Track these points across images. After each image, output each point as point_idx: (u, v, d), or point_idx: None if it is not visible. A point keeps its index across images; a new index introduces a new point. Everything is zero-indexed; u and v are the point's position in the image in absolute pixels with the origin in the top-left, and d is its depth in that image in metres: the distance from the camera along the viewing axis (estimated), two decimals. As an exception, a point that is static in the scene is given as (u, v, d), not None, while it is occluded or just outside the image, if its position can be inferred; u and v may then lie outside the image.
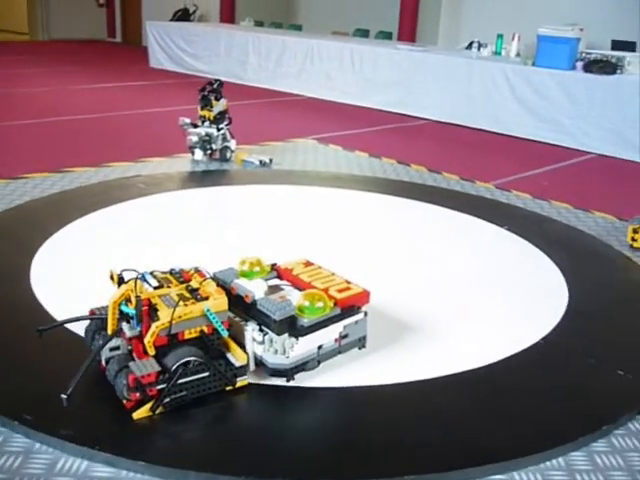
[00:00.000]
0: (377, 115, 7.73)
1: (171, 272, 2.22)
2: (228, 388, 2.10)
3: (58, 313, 2.51)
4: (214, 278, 2.24)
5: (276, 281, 2.43)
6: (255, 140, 5.81)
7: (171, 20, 13.82)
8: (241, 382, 2.12)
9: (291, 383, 2.17)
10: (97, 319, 2.20)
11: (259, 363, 2.18)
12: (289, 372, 2.16)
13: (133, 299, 2.00)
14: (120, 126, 6.44)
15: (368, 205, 4.22)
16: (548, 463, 1.90)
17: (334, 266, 2.51)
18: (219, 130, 4.95)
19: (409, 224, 3.89)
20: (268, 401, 2.11)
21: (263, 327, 2.16)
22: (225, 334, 2.06)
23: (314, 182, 4.61)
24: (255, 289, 2.22)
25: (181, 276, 2.19)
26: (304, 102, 8.50)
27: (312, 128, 6.66)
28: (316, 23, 13.10)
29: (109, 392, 2.03)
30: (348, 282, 2.36)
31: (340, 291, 2.29)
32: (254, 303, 2.18)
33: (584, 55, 6.57)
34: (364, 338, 2.36)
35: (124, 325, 2.07)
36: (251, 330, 2.16)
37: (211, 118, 4.90)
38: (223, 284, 2.26)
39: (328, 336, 2.23)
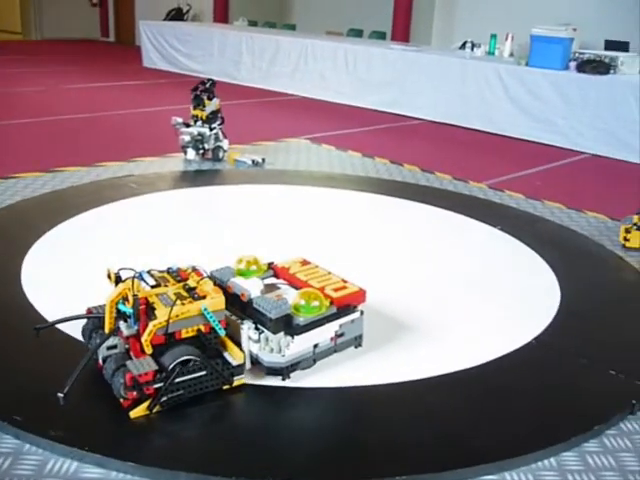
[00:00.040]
0: (371, 115, 7.73)
1: (168, 271, 2.22)
2: (225, 387, 2.10)
3: (49, 313, 2.49)
4: (211, 277, 2.24)
5: (273, 280, 2.43)
6: (248, 140, 5.80)
7: (164, 20, 13.80)
8: (238, 381, 2.12)
9: (287, 382, 2.16)
10: (94, 318, 2.20)
11: (255, 362, 2.18)
12: (285, 371, 2.16)
13: (130, 298, 2.00)
14: (112, 126, 6.42)
15: (361, 205, 4.22)
16: (540, 463, 1.90)
17: (328, 265, 2.50)
18: (212, 130, 4.93)
19: (402, 224, 3.88)
20: (262, 401, 2.11)
21: (259, 326, 2.16)
22: (222, 333, 2.07)
23: (307, 182, 4.61)
24: (251, 288, 2.23)
25: (178, 275, 2.19)
26: (297, 102, 8.50)
27: (305, 128, 6.65)
28: (310, 23, 13.10)
29: (100, 392, 2.03)
30: (344, 281, 2.37)
31: (336, 290, 2.29)
32: (250, 302, 2.18)
33: (577, 55, 6.58)
34: (360, 337, 2.36)
35: (121, 324, 2.06)
36: (247, 328, 2.16)
37: (204, 118, 4.89)
38: (220, 283, 2.26)
39: (324, 335, 2.23)
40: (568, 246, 3.67)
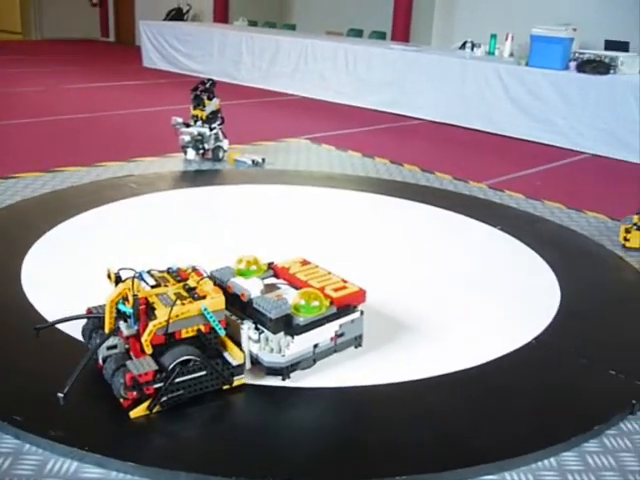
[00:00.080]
0: (371, 115, 7.72)
1: (168, 271, 2.22)
2: (225, 387, 2.10)
3: (49, 313, 2.49)
4: (211, 277, 2.24)
5: (273, 280, 2.43)
6: (248, 140, 5.80)
7: (164, 20, 13.80)
8: (238, 381, 2.12)
9: (286, 382, 2.16)
10: (94, 318, 2.20)
11: (255, 362, 2.18)
12: (285, 371, 2.16)
13: (130, 298, 2.00)
14: (112, 126, 6.42)
15: (361, 205, 4.22)
16: (540, 463, 1.90)
17: (327, 266, 2.50)
18: (211, 130, 4.93)
19: (402, 224, 3.88)
20: (262, 401, 2.11)
21: (259, 326, 2.16)
22: (222, 333, 2.07)
23: (307, 182, 4.61)
24: (251, 288, 2.23)
25: (178, 275, 2.19)
26: (297, 102, 8.49)
27: (305, 128, 6.65)
28: (310, 23, 13.10)
29: (100, 392, 2.03)
30: (344, 281, 2.37)
31: (336, 290, 2.29)
32: (250, 302, 2.18)
33: (577, 55, 6.58)
34: (360, 337, 2.36)
35: (121, 324, 2.06)
36: (247, 328, 2.16)
37: (204, 118, 4.89)
38: (220, 283, 2.26)
39: (324, 335, 2.24)
40: (568, 246, 3.67)
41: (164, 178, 4.54)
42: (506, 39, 7.82)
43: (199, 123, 4.91)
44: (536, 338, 2.58)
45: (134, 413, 1.94)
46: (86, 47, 14.69)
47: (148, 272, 2.16)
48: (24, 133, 5.87)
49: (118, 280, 2.12)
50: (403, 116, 7.60)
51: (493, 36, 8.04)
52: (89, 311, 2.22)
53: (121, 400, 1.96)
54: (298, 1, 14.49)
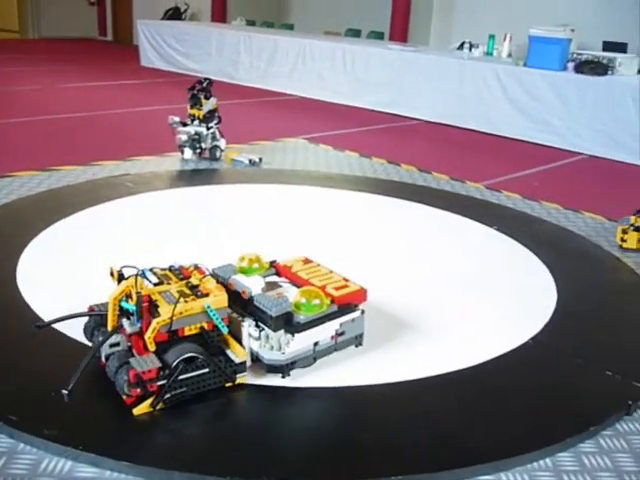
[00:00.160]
0: (368, 115, 7.72)
1: (170, 269, 2.22)
2: (227, 384, 2.10)
3: (44, 312, 2.48)
4: (213, 275, 2.24)
5: (274, 278, 2.44)
6: (245, 139, 5.79)
7: (162, 19, 13.79)
8: (241, 378, 2.12)
9: (284, 381, 2.16)
10: (96, 315, 2.19)
11: (255, 359, 2.18)
12: (285, 368, 2.16)
13: (134, 295, 1.99)
14: (109, 125, 6.41)
15: (358, 205, 4.21)
16: (535, 464, 1.89)
17: (325, 265, 2.50)
18: (209, 129, 4.93)
19: (399, 224, 3.88)
20: (258, 400, 2.10)
21: (260, 323, 2.16)
22: (225, 331, 2.07)
23: (304, 181, 4.60)
24: (252, 285, 2.23)
25: (181, 273, 2.20)
26: (295, 102, 8.49)
27: (302, 128, 6.65)
28: (308, 23, 13.09)
29: (94, 392, 2.02)
30: (346, 280, 2.37)
31: (337, 289, 2.30)
32: (251, 299, 2.18)
33: (575, 56, 6.58)
34: (361, 336, 2.36)
35: (124, 321, 2.07)
36: (248, 326, 2.16)
37: (201, 117, 4.88)
38: (221, 280, 2.26)
39: (324, 333, 2.23)
40: (565, 247, 3.66)
41: (161, 177, 4.53)
42: (504, 40, 7.81)
43: (196, 122, 4.90)
44: (533, 338, 2.58)
45: (137, 410, 1.94)
46: (84, 46, 14.68)
47: (151, 270, 2.16)
48: (20, 132, 5.86)
49: (121, 278, 2.12)
50: (401, 116, 7.60)
51: (491, 36, 8.05)
52: (91, 309, 2.22)
53: (124, 397, 1.96)
54: (296, 1, 14.49)
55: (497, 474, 1.84)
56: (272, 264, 2.50)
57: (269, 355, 2.15)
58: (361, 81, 8.09)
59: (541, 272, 3.26)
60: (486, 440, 1.96)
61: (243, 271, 2.38)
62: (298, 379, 2.18)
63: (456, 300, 2.91)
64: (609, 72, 6.37)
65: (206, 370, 2.03)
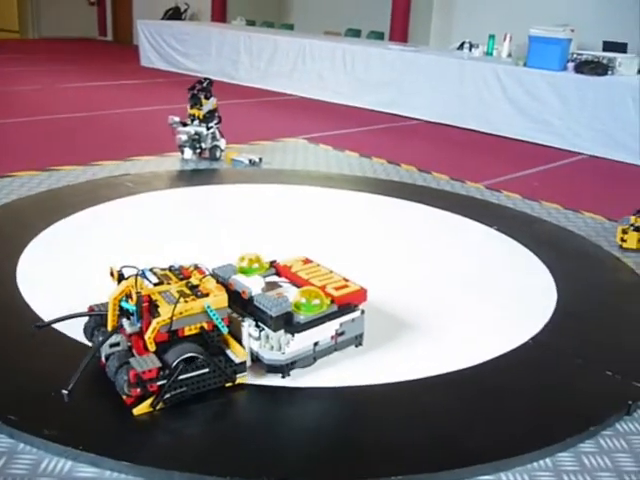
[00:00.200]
0: (368, 115, 7.72)
1: (170, 269, 2.22)
2: (227, 384, 2.10)
3: (44, 312, 2.48)
4: (213, 275, 2.24)
5: (274, 278, 2.44)
6: (245, 139, 5.79)
7: (162, 19, 13.80)
8: (241, 378, 2.12)
9: (283, 381, 2.16)
10: (96, 315, 2.19)
11: (255, 359, 2.18)
12: (285, 368, 2.16)
13: (134, 295, 1.99)
14: (109, 125, 6.41)
15: (358, 205, 4.21)
16: (535, 464, 1.89)
17: (324, 265, 2.50)
18: (209, 129, 4.93)
19: (399, 224, 3.88)
20: (258, 400, 2.10)
21: (260, 323, 2.16)
22: (225, 331, 2.07)
23: (304, 181, 4.60)
24: (252, 285, 2.23)
25: (181, 273, 2.20)
26: (295, 102, 8.49)
27: (302, 128, 6.64)
28: (308, 23, 13.09)
29: (94, 392, 2.02)
30: (346, 280, 2.37)
31: (337, 289, 2.30)
32: (251, 299, 2.18)
33: (575, 56, 6.58)
34: (361, 336, 2.36)
35: (124, 321, 2.07)
36: (248, 326, 2.16)
37: (200, 117, 4.88)
38: (221, 280, 2.26)
39: (324, 333, 2.23)
40: (565, 247, 3.66)
41: (161, 177, 4.53)
42: (504, 40, 7.81)
43: (196, 122, 4.90)
44: (533, 338, 2.58)
45: (137, 410, 1.94)
46: (84, 46, 14.68)
47: (151, 270, 2.17)
48: (20, 132, 5.86)
49: (121, 278, 2.12)
50: (401, 116, 7.60)
51: (491, 37, 8.05)
52: (91, 309, 2.22)
53: (124, 397, 1.96)
54: (296, 1, 14.49)
55: (497, 474, 1.84)
56: (272, 264, 2.50)
57: (269, 355, 2.15)
58: (361, 81, 8.09)
59: (541, 272, 3.26)
60: (486, 440, 1.96)
61: (243, 271, 2.38)
62: (298, 379, 2.18)
63: (456, 300, 2.91)
64: (609, 72, 6.37)
65: (206, 370, 2.03)
